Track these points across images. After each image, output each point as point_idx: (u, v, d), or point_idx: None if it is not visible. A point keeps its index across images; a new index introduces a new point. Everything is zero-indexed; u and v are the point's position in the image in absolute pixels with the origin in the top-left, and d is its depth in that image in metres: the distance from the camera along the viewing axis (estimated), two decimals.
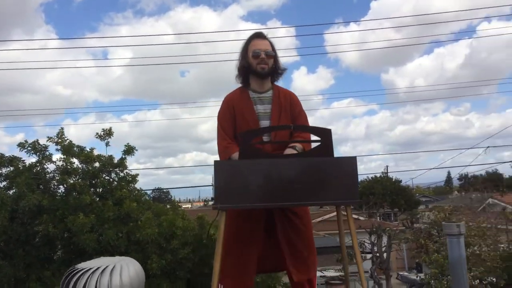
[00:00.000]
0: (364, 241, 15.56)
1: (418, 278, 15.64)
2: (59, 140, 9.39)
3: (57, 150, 9.40)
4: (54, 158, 9.42)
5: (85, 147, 9.70)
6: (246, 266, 2.82)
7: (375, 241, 15.90)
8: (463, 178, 50.48)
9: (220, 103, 3.11)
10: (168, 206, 10.76)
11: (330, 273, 16.24)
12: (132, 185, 9.69)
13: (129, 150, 9.65)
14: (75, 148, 9.47)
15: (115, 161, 9.63)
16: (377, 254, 15.68)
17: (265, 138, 2.88)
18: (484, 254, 12.25)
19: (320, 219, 29.59)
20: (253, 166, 2.37)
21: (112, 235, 8.09)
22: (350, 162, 2.43)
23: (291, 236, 2.85)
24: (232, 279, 2.78)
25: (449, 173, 61.66)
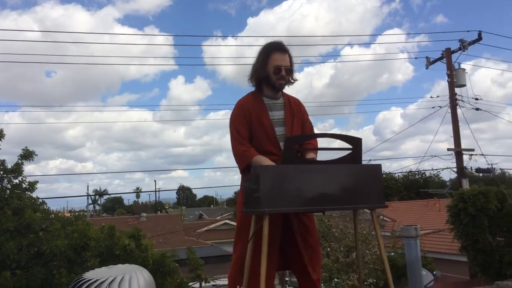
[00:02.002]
0: None
1: None
2: None
3: None
4: None
5: None
6: (269, 268, 2.83)
7: None
8: None
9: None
10: (68, 215, 9.92)
11: (222, 281, 16.31)
12: (29, 193, 8.79)
13: (27, 154, 8.76)
14: None
15: (9, 166, 8.68)
16: None
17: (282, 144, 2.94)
18: (368, 258, 13.43)
19: (205, 228, 29.55)
20: (296, 171, 2.42)
21: (13, 248, 7.25)
22: (377, 169, 2.62)
23: (307, 238, 2.98)
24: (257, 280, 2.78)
25: None
